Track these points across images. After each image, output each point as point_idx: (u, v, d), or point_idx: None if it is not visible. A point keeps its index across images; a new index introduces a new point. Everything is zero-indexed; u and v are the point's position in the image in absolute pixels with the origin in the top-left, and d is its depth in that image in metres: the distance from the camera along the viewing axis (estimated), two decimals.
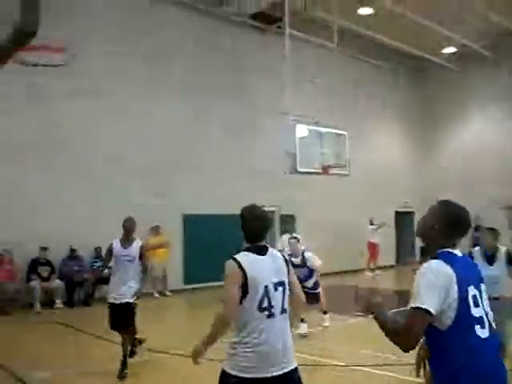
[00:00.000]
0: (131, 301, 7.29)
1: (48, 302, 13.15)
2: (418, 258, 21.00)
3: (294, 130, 14.57)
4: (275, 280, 3.70)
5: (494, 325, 2.83)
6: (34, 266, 13.20)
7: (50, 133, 13.81)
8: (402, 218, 23.56)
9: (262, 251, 3.79)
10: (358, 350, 8.19)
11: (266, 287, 3.64)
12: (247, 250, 3.78)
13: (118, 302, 7.30)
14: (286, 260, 3.90)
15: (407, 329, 2.68)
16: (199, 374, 4.30)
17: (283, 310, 3.71)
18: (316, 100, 18.11)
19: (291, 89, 14.19)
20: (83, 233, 13.73)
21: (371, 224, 20.26)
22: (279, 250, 13.05)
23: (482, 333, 2.72)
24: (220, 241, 14.97)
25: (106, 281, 13.76)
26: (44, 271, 13.23)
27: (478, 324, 2.72)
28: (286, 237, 14.35)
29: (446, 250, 2.90)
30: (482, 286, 2.89)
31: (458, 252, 2.93)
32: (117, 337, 7.56)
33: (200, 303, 13.55)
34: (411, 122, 24.44)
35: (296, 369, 3.70)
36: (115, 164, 14.73)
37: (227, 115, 17.22)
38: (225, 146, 17.15)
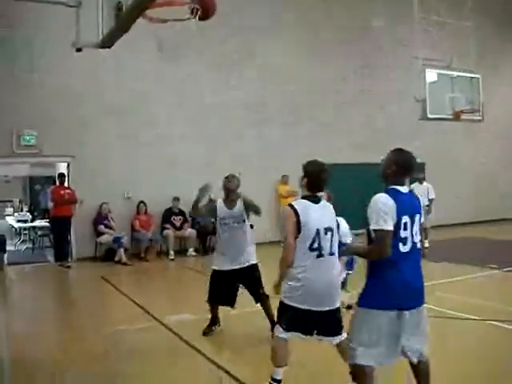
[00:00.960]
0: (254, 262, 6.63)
1: (181, 250, 13.81)
2: None
3: (423, 75, 14.02)
4: (325, 225, 4.39)
5: (413, 240, 3.78)
6: (168, 215, 13.84)
7: (181, 87, 14.27)
8: None
9: (317, 200, 4.47)
10: (490, 304, 7.89)
11: (317, 230, 4.32)
12: (304, 198, 4.49)
13: (231, 268, 6.48)
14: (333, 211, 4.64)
15: (377, 246, 3.69)
16: None
17: (331, 253, 4.43)
18: (446, 42, 17.21)
19: (420, 31, 13.57)
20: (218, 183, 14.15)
21: None
22: None
23: (404, 248, 3.72)
24: (354, 189, 14.63)
25: None
26: (177, 221, 13.85)
27: (401, 242, 3.70)
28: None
29: (393, 187, 3.83)
30: (417, 216, 3.83)
31: (403, 189, 3.86)
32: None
33: None
34: None
35: (338, 309, 4.49)
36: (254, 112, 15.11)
37: (352, 60, 16.78)
38: (350, 93, 16.78)
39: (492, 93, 17.33)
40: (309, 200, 4.46)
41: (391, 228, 3.66)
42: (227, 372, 5.39)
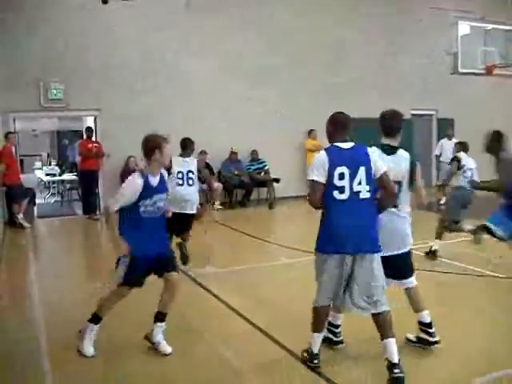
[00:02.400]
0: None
1: (207, 203, 13.87)
2: None
3: (455, 27, 13.66)
4: (396, 179, 4.48)
5: (361, 192, 4.16)
6: None
7: (208, 42, 14.14)
8: None
9: (390, 151, 4.62)
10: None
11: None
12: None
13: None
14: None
15: (310, 194, 4.32)
16: None
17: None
18: None
19: None
20: (240, 136, 14.17)
21: None
22: (436, 156, 12.84)
23: (340, 196, 4.16)
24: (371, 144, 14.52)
25: (263, 184, 14.34)
26: (203, 174, 13.84)
27: (336, 190, 4.16)
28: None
29: (334, 144, 4.33)
30: (362, 168, 4.17)
31: (344, 145, 4.30)
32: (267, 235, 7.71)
33: None
34: None
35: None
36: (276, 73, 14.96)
37: (379, 13, 16.32)
38: (376, 47, 16.43)
39: None
40: (382, 150, 4.60)
41: (320, 179, 4.20)
42: (249, 321, 5.49)
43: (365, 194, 4.18)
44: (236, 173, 14.13)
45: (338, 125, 4.41)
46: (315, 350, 4.43)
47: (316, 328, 4.43)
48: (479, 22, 13.81)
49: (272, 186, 14.24)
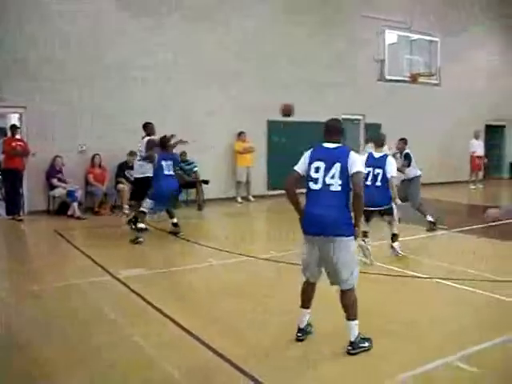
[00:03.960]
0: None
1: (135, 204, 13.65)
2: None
3: (383, 36, 14.05)
4: None
5: (326, 182, 4.76)
6: (122, 169, 13.62)
7: (144, 37, 13.96)
8: (493, 132, 22.24)
9: None
10: (436, 263, 8.12)
11: None
12: None
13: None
14: None
15: (286, 179, 5.02)
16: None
17: None
18: (407, 4, 17.22)
19: None
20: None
21: (476, 137, 19.46)
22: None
23: (314, 186, 4.83)
24: (304, 148, 14.75)
25: (192, 185, 14.22)
26: (131, 174, 13.63)
27: (312, 181, 4.85)
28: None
29: (321, 144, 5.00)
30: (337, 164, 4.76)
31: (328, 145, 4.97)
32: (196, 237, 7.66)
33: (282, 209, 13.62)
34: None
35: None
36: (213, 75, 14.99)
37: (314, 20, 16.60)
38: (310, 53, 16.68)
39: (450, 58, 17.45)
40: None
41: (297, 169, 4.98)
42: (173, 320, 5.47)
43: (336, 187, 4.77)
44: None
45: (326, 129, 5.08)
46: (301, 325, 5.03)
47: (300, 303, 5.05)
48: (406, 32, 14.25)
49: (201, 188, 14.16)
